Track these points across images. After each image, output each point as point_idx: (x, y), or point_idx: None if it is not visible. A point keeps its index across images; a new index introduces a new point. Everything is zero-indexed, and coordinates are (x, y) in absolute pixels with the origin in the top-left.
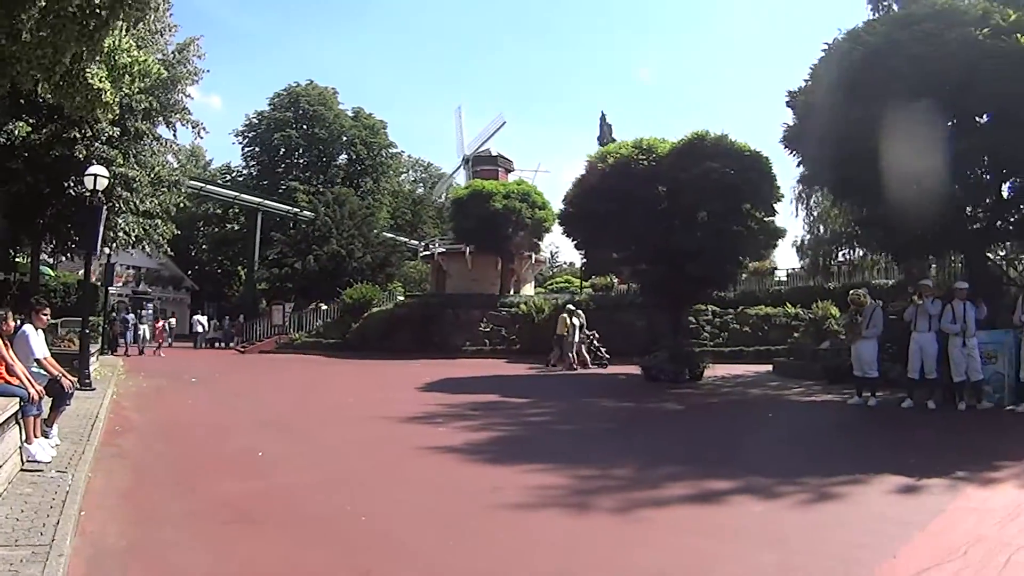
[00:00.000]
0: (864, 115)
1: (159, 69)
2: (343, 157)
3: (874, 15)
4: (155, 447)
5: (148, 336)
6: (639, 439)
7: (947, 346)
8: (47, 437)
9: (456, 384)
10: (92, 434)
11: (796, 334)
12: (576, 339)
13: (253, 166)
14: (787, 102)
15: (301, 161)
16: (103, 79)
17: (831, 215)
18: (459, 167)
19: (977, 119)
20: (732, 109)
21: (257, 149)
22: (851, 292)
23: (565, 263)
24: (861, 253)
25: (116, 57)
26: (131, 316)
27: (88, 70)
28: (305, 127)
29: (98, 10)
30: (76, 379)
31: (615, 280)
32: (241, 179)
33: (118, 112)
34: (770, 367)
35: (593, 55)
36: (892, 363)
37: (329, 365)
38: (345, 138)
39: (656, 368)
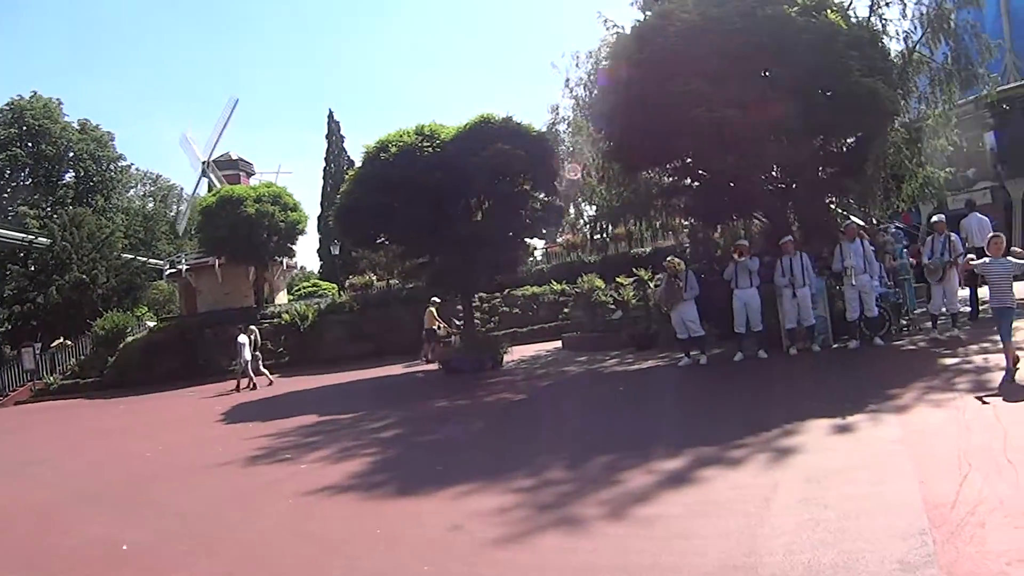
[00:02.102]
0: (684, 89)
1: None
2: (71, 174)
3: None
4: None
5: None
6: (520, 434)
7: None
8: None
9: (256, 409)
10: None
11: (566, 309)
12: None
13: None
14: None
15: (28, 182)
16: None
17: (597, 191)
18: (200, 176)
19: (791, 88)
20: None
21: None
22: (667, 258)
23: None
24: (632, 226)
25: None
26: None
27: None
28: (31, 144)
29: None
30: None
31: (374, 278)
32: None
33: None
34: (559, 344)
35: (319, 53)
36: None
37: (102, 409)
38: (72, 153)
39: (457, 360)
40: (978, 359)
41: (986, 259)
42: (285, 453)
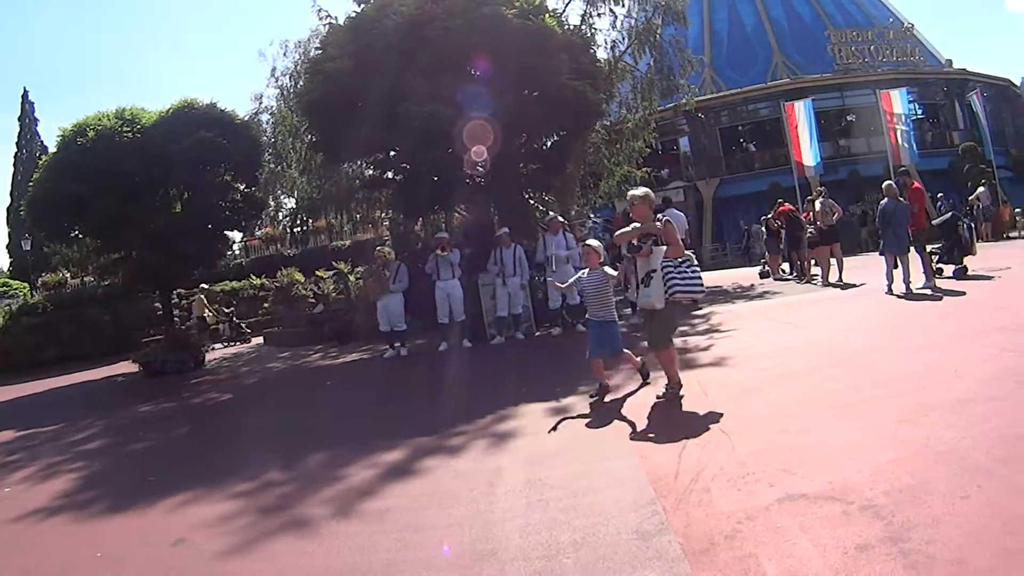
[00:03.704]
0: (396, 83)
1: None
2: None
3: None
4: None
5: None
6: (231, 435)
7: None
8: None
9: None
10: None
11: (266, 304)
12: None
13: None
14: (306, 69)
15: None
16: None
17: (298, 183)
18: None
19: (503, 87)
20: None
21: None
22: (377, 248)
23: None
24: (333, 219)
25: None
26: None
27: None
28: None
29: None
30: None
31: (68, 276)
32: None
33: None
34: (260, 339)
35: (13, 22)
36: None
37: None
38: None
39: (159, 361)
40: (677, 341)
41: (581, 273)
42: None
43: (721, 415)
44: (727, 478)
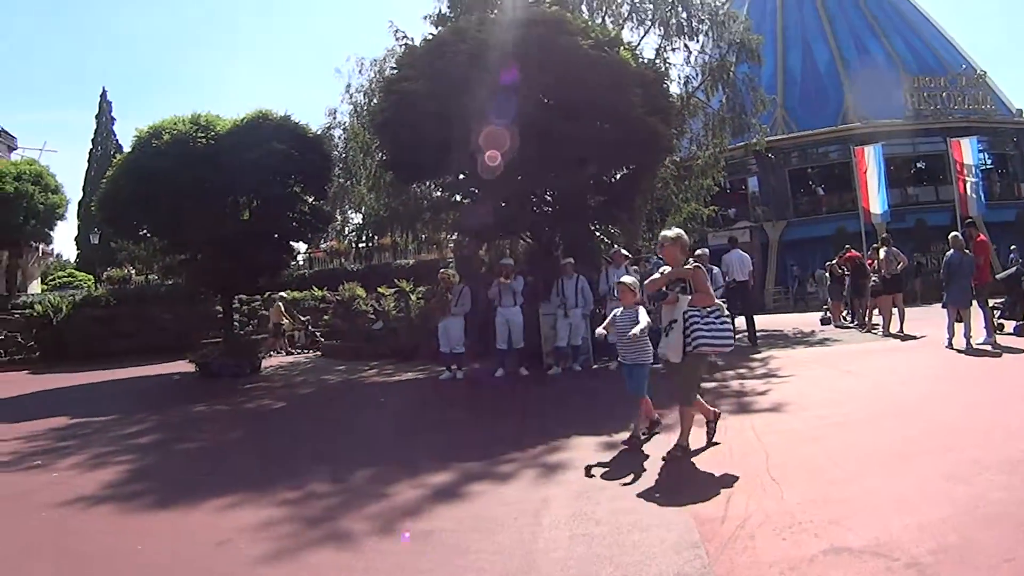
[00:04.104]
0: (469, 107)
1: None
2: None
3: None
4: None
5: None
6: (282, 443)
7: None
8: None
9: (4, 409)
10: None
11: (326, 316)
12: None
13: None
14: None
15: None
16: None
17: (367, 200)
18: None
19: (575, 118)
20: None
21: None
22: (441, 270)
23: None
24: (398, 237)
25: None
26: None
27: None
28: None
29: None
30: None
31: (132, 272)
32: None
33: None
34: (318, 351)
35: (96, 27)
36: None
37: None
38: None
39: (217, 363)
40: (735, 384)
41: (616, 311)
42: (36, 459)
43: (773, 462)
44: (773, 526)
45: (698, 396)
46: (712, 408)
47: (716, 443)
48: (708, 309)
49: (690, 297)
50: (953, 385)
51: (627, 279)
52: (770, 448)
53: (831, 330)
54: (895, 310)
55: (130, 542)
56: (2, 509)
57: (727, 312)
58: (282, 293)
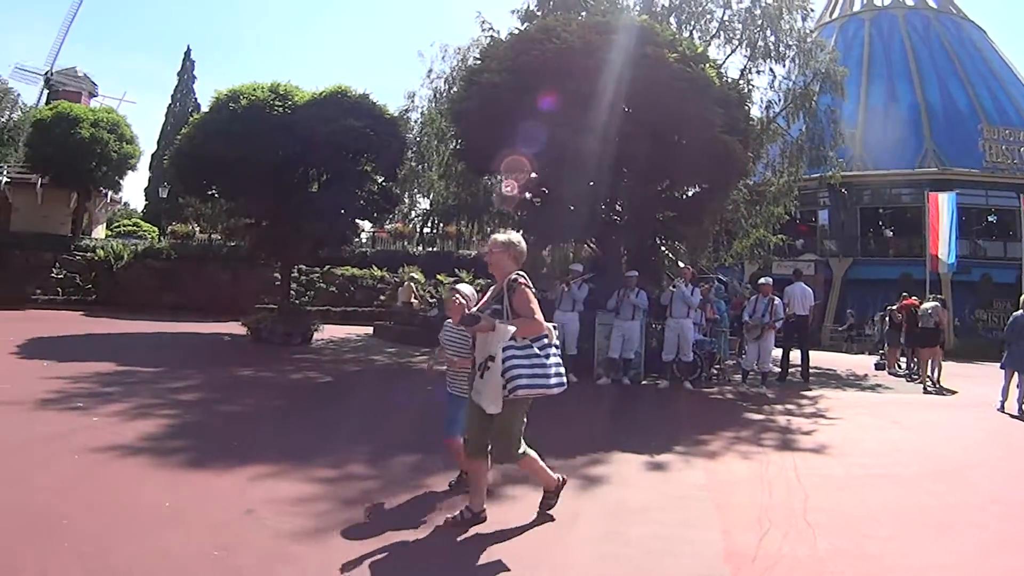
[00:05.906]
0: (548, 106)
1: None
2: None
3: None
4: None
5: None
6: (324, 418)
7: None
8: None
9: (54, 347)
10: None
11: (382, 296)
12: None
13: None
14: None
15: None
16: None
17: (436, 186)
18: (43, 86)
19: (652, 130)
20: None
21: None
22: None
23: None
24: (464, 227)
25: None
26: None
27: None
28: None
29: None
30: None
31: (196, 229)
32: None
33: None
34: (370, 330)
35: None
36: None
37: None
38: None
39: (268, 329)
40: (782, 419)
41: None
42: (78, 401)
43: (811, 505)
44: (803, 572)
45: (536, 457)
46: (555, 475)
47: (551, 518)
48: (534, 339)
49: (511, 328)
50: (1001, 451)
51: (462, 287)
52: (810, 490)
53: (884, 376)
54: (929, 362)
55: (158, 496)
56: (37, 447)
57: (556, 341)
58: (413, 275)
